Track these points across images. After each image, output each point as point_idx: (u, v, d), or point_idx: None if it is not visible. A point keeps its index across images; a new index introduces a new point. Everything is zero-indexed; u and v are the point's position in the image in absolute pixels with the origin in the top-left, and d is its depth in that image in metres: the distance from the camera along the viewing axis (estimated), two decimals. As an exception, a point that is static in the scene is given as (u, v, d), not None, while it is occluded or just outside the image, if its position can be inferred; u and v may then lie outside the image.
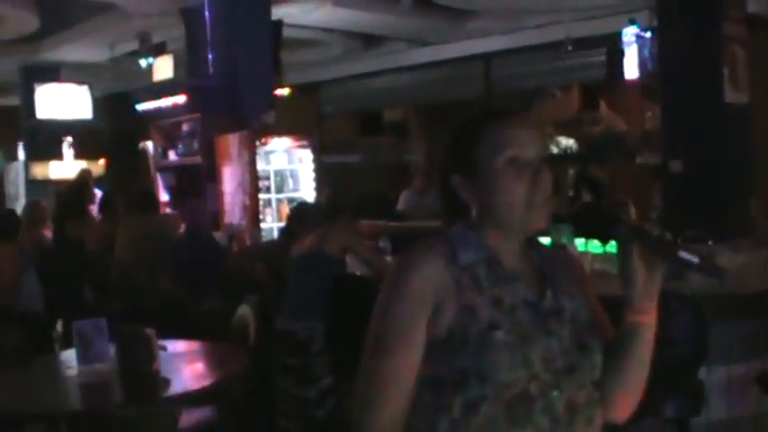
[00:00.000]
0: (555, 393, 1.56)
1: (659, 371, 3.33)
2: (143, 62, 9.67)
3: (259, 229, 8.25)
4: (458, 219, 1.70)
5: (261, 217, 8.36)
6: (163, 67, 9.44)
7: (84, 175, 9.63)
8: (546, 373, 1.57)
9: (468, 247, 1.64)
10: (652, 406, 3.25)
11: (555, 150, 12.93)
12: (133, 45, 10.20)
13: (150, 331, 3.22)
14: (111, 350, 3.32)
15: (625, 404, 1.71)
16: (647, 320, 1.63)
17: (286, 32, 8.99)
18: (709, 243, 4.62)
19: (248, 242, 7.81)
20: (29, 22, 9.73)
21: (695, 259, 1.52)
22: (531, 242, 1.73)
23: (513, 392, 1.54)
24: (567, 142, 12.97)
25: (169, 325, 5.45)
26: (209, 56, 8.53)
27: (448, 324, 1.57)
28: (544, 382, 1.56)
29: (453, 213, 1.72)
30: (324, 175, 9.27)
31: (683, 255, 1.53)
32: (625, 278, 1.60)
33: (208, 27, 8.48)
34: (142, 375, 3.18)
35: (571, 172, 12.27)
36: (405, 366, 1.58)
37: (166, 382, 3.23)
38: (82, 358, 3.29)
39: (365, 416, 1.60)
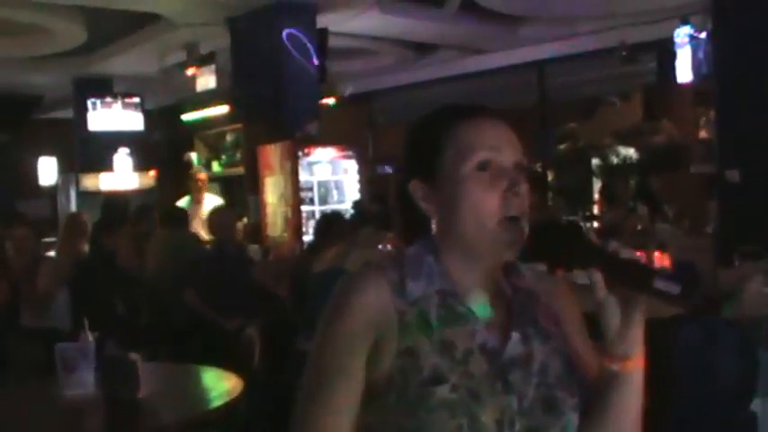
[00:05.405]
0: None
1: (706, 405, 3.05)
2: (188, 72, 9.59)
3: (302, 242, 8.05)
4: (418, 235, 1.40)
5: (303, 229, 8.16)
6: (206, 78, 9.37)
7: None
8: None
9: (420, 276, 1.34)
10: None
11: (615, 161, 12.55)
12: (182, 56, 10.15)
13: (135, 356, 3.00)
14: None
15: None
16: (627, 368, 1.30)
17: (335, 42, 8.78)
18: None
19: (287, 255, 7.61)
20: (77, 35, 9.75)
21: (675, 290, 1.20)
22: (507, 268, 1.41)
23: None
24: (627, 152, 12.56)
25: (195, 342, 5.31)
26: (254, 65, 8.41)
27: (387, 369, 1.28)
28: None
29: (410, 228, 1.42)
30: (376, 186, 9.07)
31: (660, 284, 1.20)
32: (597, 316, 1.28)
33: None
34: (124, 404, 2.96)
35: (632, 183, 11.87)
36: (335, 409, 1.31)
37: (151, 412, 3.00)
38: (64, 384, 3.08)
39: None
